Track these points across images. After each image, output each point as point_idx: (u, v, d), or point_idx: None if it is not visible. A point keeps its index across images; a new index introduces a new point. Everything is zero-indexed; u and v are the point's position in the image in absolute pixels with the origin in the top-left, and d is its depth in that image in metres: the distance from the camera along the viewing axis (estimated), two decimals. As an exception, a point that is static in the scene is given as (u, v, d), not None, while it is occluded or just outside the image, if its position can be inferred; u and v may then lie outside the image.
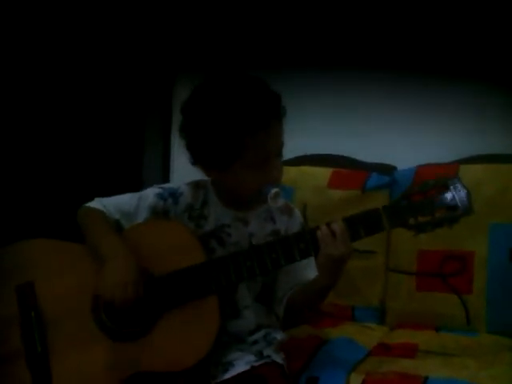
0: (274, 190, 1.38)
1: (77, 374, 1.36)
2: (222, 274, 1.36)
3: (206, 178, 1.53)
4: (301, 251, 1.36)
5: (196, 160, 1.44)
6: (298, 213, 1.60)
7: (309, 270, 1.47)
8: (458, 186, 1.34)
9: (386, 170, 2.03)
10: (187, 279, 1.37)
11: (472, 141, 2.01)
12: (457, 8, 2.01)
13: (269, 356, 1.44)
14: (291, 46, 2.27)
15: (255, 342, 1.47)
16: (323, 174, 2.04)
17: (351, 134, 2.18)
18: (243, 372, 1.38)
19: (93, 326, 1.39)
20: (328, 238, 1.33)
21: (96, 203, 1.52)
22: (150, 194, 1.52)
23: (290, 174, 1.93)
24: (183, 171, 1.59)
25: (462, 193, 1.33)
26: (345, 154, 2.13)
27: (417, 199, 1.35)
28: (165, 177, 2.51)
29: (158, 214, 1.50)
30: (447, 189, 1.34)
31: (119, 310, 1.37)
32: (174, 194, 1.52)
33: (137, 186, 1.92)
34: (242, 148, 1.34)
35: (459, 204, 1.33)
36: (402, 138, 2.12)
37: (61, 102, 2.33)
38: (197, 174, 1.54)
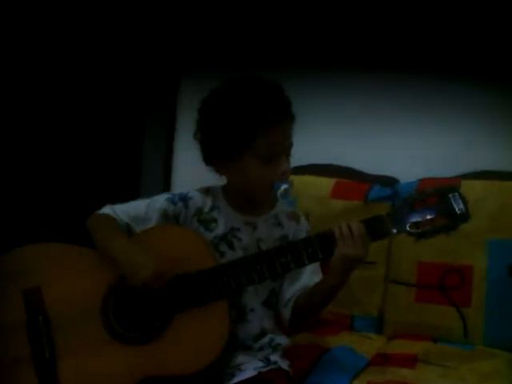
0: (283, 187, 1.45)
1: (86, 380, 1.37)
2: (233, 278, 1.39)
3: (213, 184, 1.57)
4: (309, 255, 1.40)
5: (210, 153, 1.50)
6: (304, 220, 1.65)
7: (315, 274, 1.52)
8: (457, 195, 1.42)
9: (388, 182, 2.04)
10: (197, 283, 1.39)
11: (475, 155, 2.03)
12: (466, 17, 2.01)
13: (275, 362, 1.46)
14: (296, 50, 2.26)
15: (261, 349, 1.50)
16: (326, 184, 2.05)
17: (354, 145, 2.19)
18: (250, 378, 1.40)
19: (102, 330, 1.39)
20: (348, 238, 1.38)
21: (106, 209, 1.54)
22: (161, 198, 1.55)
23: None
24: (185, 179, 1.62)
25: (461, 203, 1.41)
26: (348, 165, 2.15)
27: (418, 207, 1.42)
28: (166, 185, 2.47)
29: (169, 217, 1.52)
30: (447, 198, 1.42)
31: (129, 314, 1.39)
32: (184, 198, 1.56)
33: (134, 194, 1.92)
34: (252, 138, 1.42)
35: (458, 212, 1.41)
36: (404, 151, 2.13)
37: (62, 104, 2.32)
38: (198, 183, 1.60)
